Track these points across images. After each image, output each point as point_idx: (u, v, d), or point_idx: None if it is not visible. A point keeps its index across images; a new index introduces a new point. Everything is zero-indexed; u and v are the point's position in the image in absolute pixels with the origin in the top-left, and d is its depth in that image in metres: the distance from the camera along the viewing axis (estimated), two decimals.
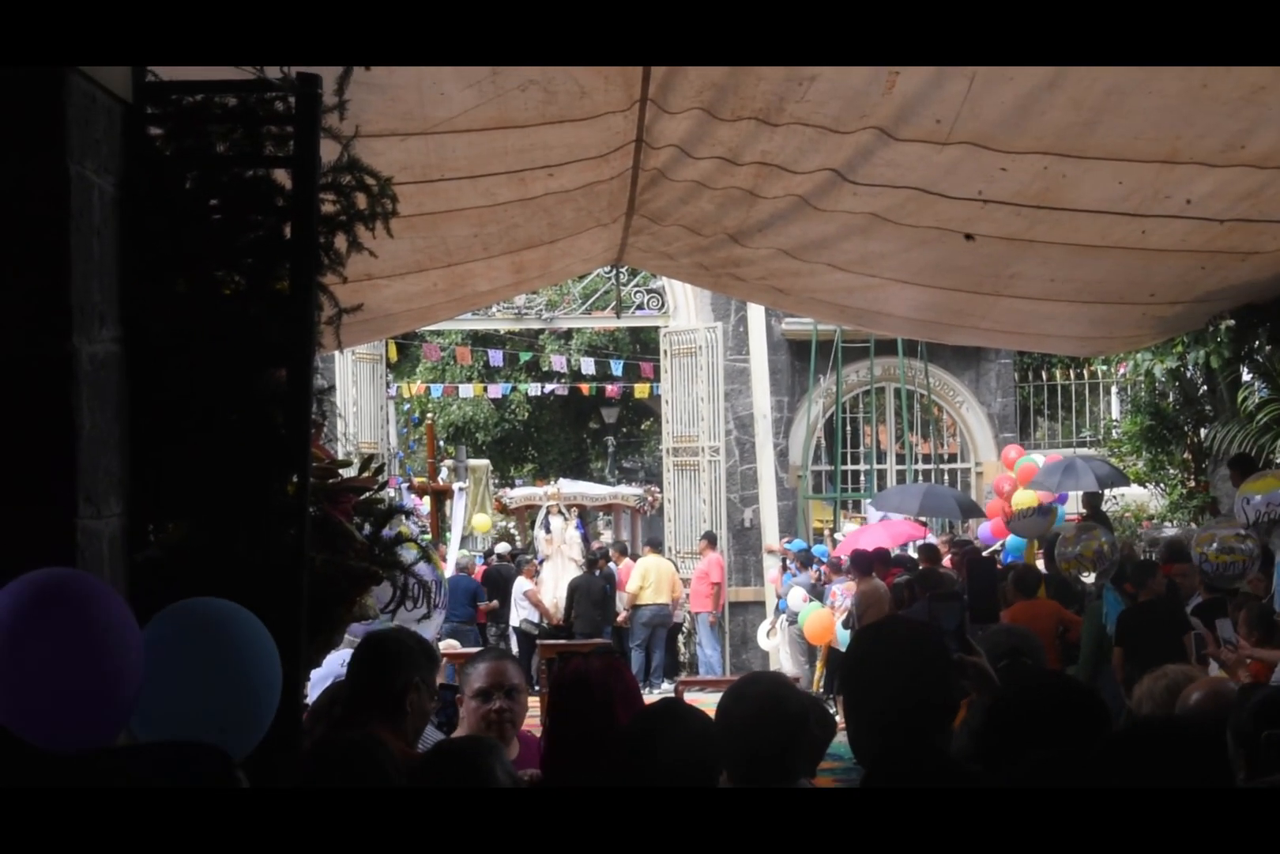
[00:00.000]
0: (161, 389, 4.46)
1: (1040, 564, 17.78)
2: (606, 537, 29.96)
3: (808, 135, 8.99)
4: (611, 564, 25.88)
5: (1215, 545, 12.01)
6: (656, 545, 26.85)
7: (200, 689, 3.71)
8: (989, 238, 10.80)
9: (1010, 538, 22.07)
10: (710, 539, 26.01)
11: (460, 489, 27.35)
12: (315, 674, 5.74)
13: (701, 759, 4.44)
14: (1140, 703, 6.27)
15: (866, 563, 18.22)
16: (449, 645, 17.43)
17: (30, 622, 3.35)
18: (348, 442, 23.75)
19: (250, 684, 3.87)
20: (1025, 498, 21.93)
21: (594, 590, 24.50)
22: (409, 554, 5.55)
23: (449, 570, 24.47)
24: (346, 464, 5.60)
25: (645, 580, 24.75)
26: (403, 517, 5.96)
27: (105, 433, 4.14)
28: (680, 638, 26.74)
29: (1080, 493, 20.84)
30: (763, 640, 25.25)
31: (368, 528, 5.22)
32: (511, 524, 36.31)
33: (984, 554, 19.58)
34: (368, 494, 5.35)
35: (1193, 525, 20.18)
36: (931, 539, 22.07)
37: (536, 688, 18.76)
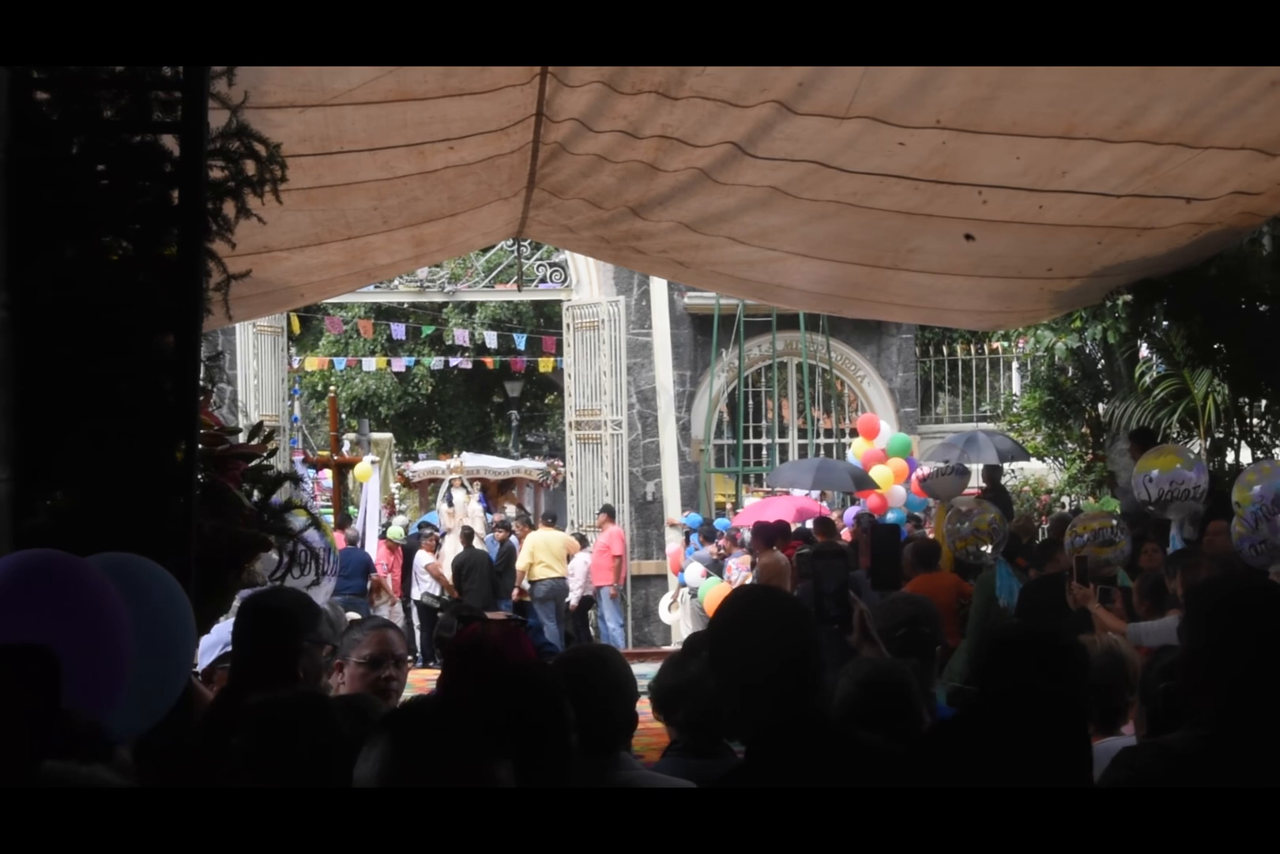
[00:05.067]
0: (50, 355, 4.43)
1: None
2: (511, 510, 29.96)
3: (708, 109, 9.02)
4: (513, 537, 25.78)
5: (1087, 537, 11.99)
6: (551, 519, 26.82)
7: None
8: (888, 212, 10.86)
9: (890, 513, 22.30)
10: (609, 512, 26.03)
11: (373, 462, 27.24)
12: (204, 641, 5.72)
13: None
14: None
15: (769, 535, 18.16)
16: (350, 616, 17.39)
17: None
18: (247, 415, 23.59)
19: (173, 646, 3.85)
20: (885, 474, 22.24)
21: (480, 565, 24.42)
22: (300, 521, 5.54)
23: (371, 544, 24.43)
24: (236, 431, 5.59)
25: (534, 556, 24.69)
26: (292, 484, 5.96)
27: None
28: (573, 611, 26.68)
29: (980, 466, 21.00)
30: (664, 614, 25.31)
31: (257, 495, 5.21)
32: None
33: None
34: (257, 461, 5.34)
35: (1090, 499, 20.37)
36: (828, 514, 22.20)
37: (438, 660, 18.75)
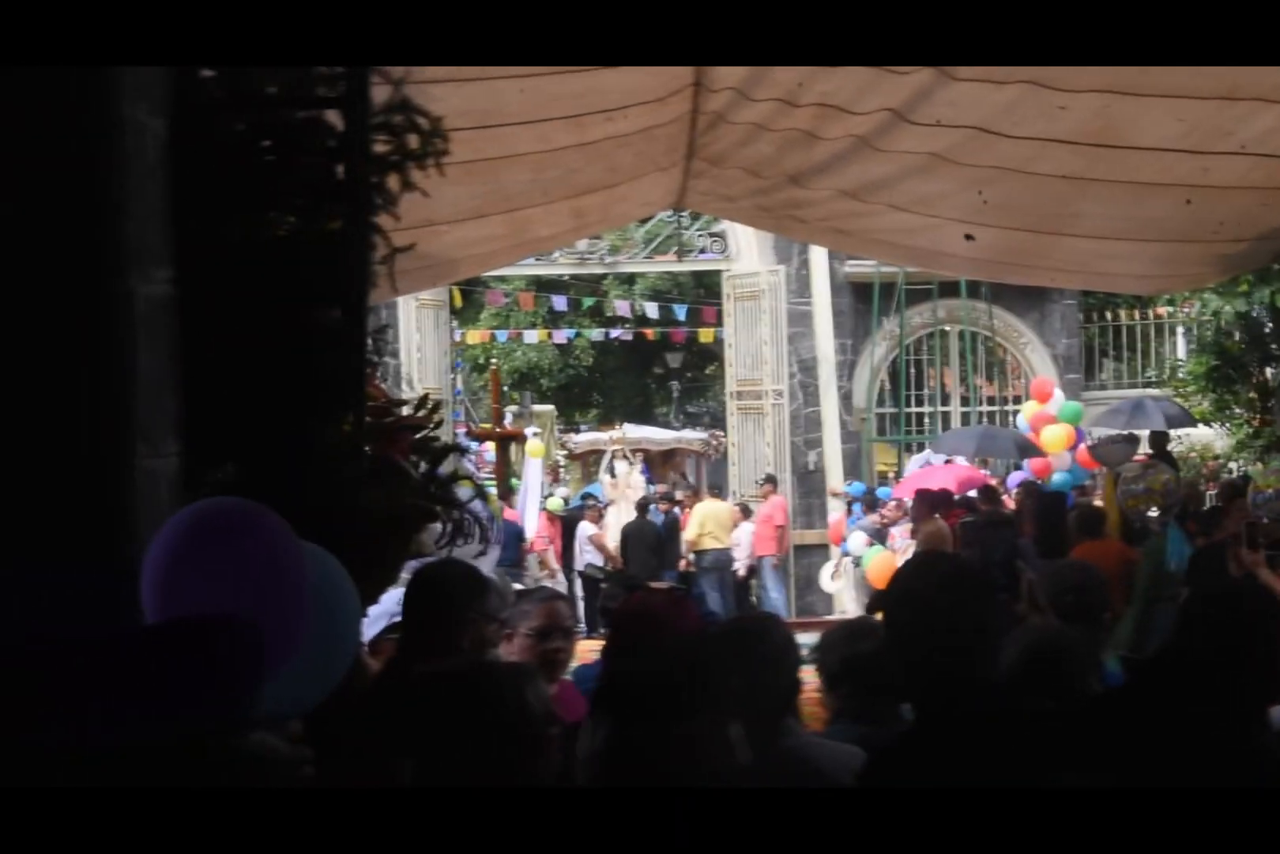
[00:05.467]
0: (216, 330, 4.49)
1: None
2: (673, 481, 30.06)
3: (866, 76, 8.96)
4: (676, 509, 25.82)
5: (1270, 493, 11.81)
6: (717, 490, 26.83)
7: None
8: (1049, 177, 10.75)
9: (1056, 475, 22.06)
10: (773, 482, 26.00)
11: (534, 434, 27.39)
12: (372, 611, 5.78)
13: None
14: None
15: (931, 503, 18.06)
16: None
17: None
18: (412, 388, 23.76)
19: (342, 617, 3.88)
20: (1056, 435, 21.97)
21: (647, 535, 24.41)
22: (465, 492, 5.58)
23: (530, 516, 24.54)
24: (403, 403, 5.63)
25: (703, 527, 24.70)
26: (459, 455, 6.00)
27: (161, 373, 4.17)
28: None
29: (1147, 432, 20.74)
30: (826, 583, 25.26)
31: (424, 466, 5.26)
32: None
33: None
34: (424, 433, 5.39)
35: (1259, 464, 20.10)
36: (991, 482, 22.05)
37: (603, 630, 18.83)
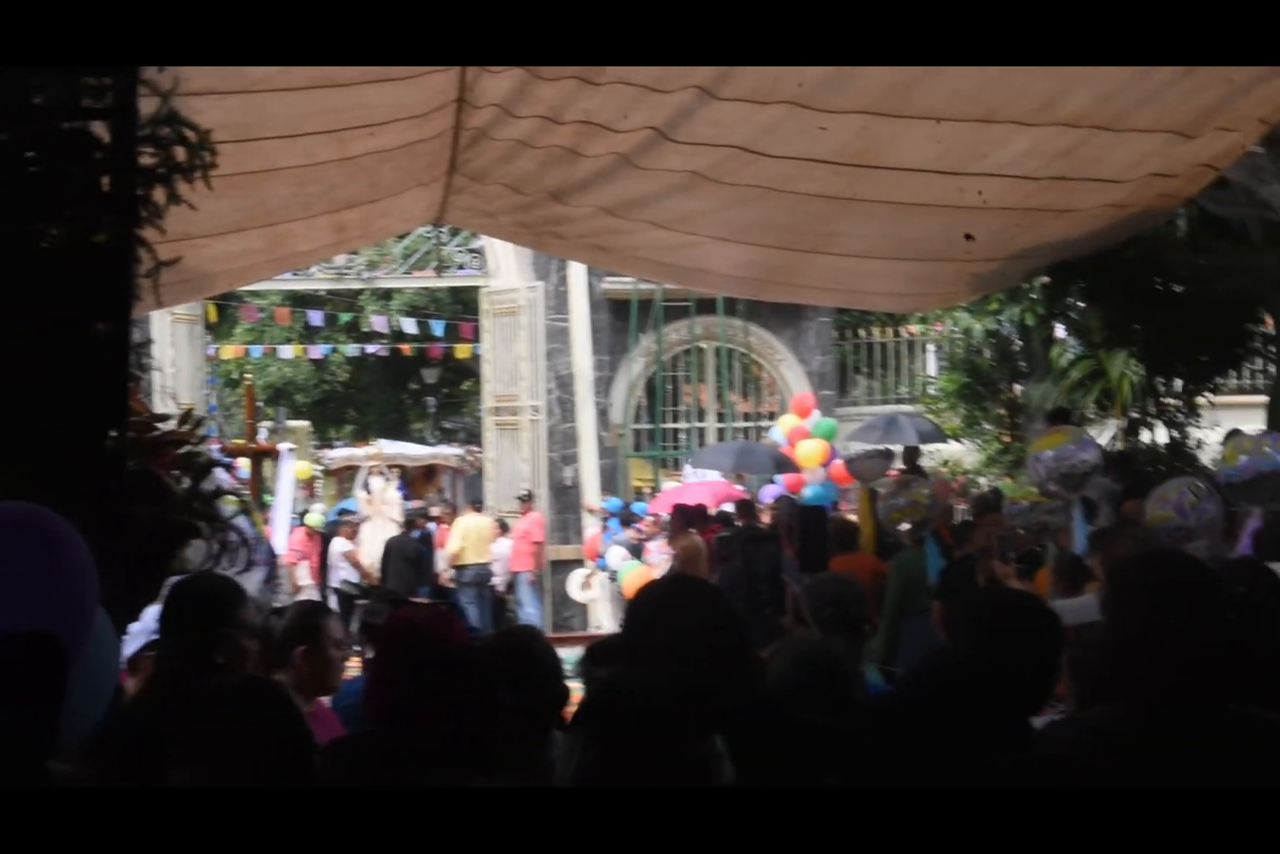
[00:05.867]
0: None
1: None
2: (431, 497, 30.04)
3: (629, 94, 9.03)
4: (430, 524, 25.80)
5: (1026, 505, 12.11)
6: (477, 505, 26.83)
7: None
8: (809, 196, 10.91)
9: (808, 489, 22.39)
10: (530, 499, 26.06)
11: (289, 450, 27.13)
12: (133, 628, 5.70)
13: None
14: None
15: (685, 518, 18.22)
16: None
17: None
18: (165, 403, 23.44)
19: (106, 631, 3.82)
20: (811, 450, 22.32)
21: (408, 550, 24.40)
22: (227, 509, 5.54)
23: (281, 534, 24.29)
24: (165, 418, 5.58)
25: (465, 540, 24.71)
26: (221, 471, 5.95)
27: None
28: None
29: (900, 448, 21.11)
30: (574, 591, 25.38)
31: (187, 481, 5.21)
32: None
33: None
34: (186, 448, 5.34)
35: (1008, 479, 20.55)
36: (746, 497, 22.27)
37: (356, 648, 18.69)
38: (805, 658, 4.96)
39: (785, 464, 23.02)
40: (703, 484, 24.25)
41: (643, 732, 2.85)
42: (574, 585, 25.47)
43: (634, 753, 2.86)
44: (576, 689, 5.10)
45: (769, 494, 23.02)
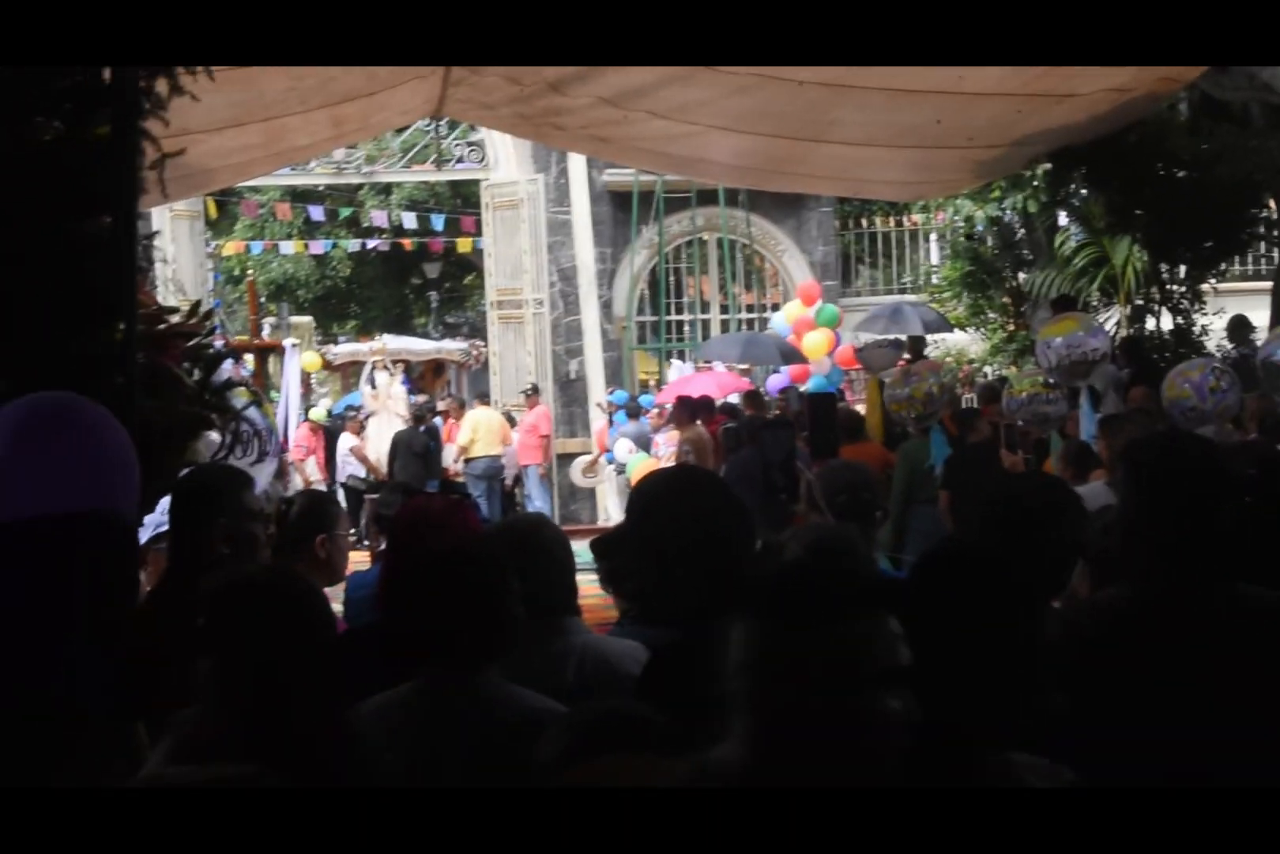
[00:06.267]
0: None
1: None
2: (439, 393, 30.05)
3: None
4: (436, 419, 25.78)
5: (1024, 398, 12.07)
6: (485, 398, 26.81)
7: None
8: (809, 84, 10.84)
9: (814, 379, 22.38)
10: (536, 392, 26.00)
11: (293, 346, 27.13)
12: (148, 519, 5.71)
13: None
14: None
15: (690, 410, 18.16)
16: None
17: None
18: (184, 296, 23.42)
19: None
20: (816, 341, 22.27)
21: (416, 444, 24.35)
22: (239, 400, 5.54)
23: (291, 425, 24.39)
24: (174, 311, 5.57)
25: (476, 433, 24.65)
26: (230, 362, 5.95)
27: None
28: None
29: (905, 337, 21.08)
30: (577, 477, 25.44)
31: (197, 374, 5.21)
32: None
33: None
34: (196, 340, 5.33)
35: (1013, 368, 20.55)
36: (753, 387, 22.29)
37: (365, 542, 18.76)
38: (820, 543, 4.97)
39: (792, 355, 22.99)
40: (708, 374, 24.25)
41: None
42: (576, 472, 25.52)
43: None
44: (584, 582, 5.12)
45: (775, 385, 23.03)
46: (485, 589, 4.06)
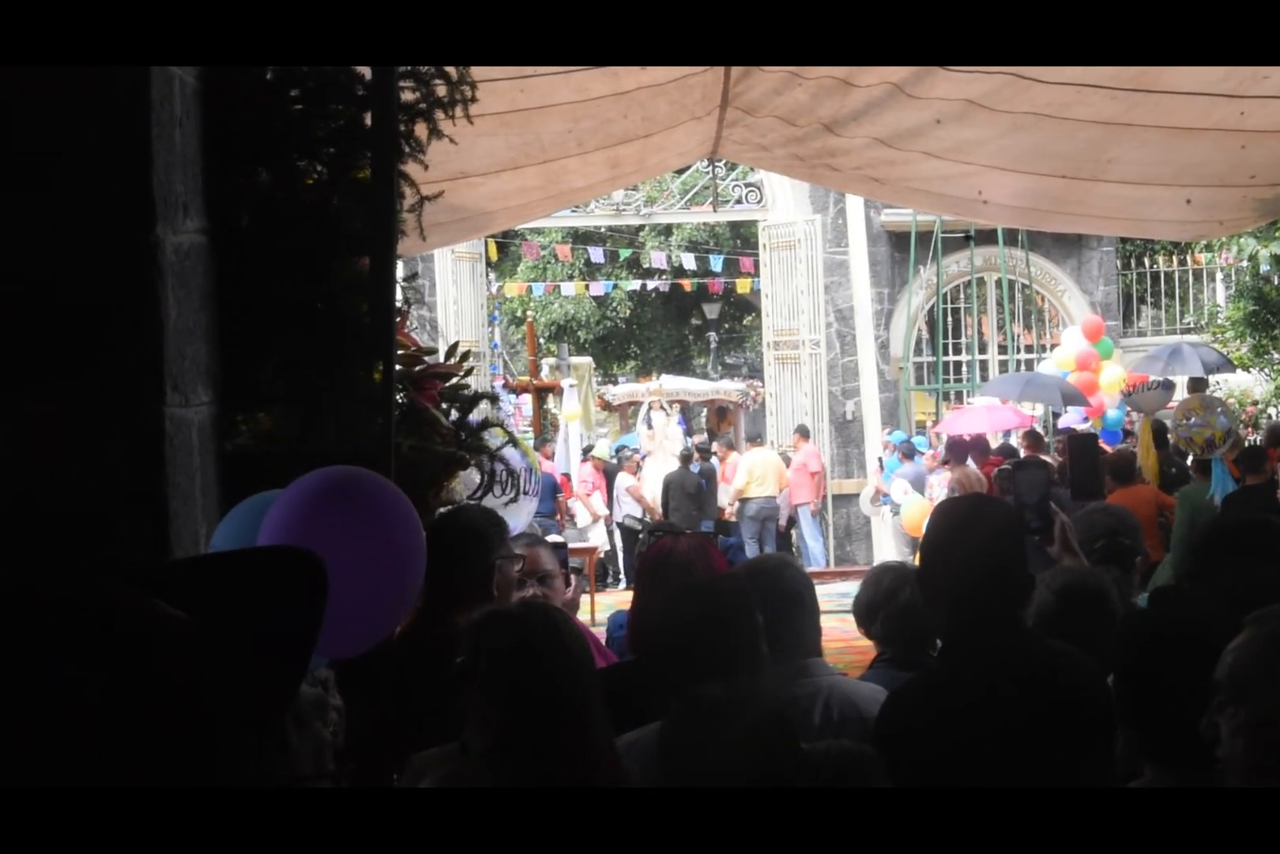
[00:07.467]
0: (247, 279, 4.50)
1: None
2: (703, 435, 30.20)
3: None
4: (714, 459, 25.84)
5: None
6: (758, 439, 26.80)
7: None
8: (1086, 122, 10.69)
9: (1110, 414, 21.98)
10: (804, 432, 25.93)
11: (570, 386, 27.44)
12: None
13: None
14: None
15: (962, 450, 17.95)
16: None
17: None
18: (447, 341, 23.81)
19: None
20: (1113, 377, 21.84)
21: (689, 484, 24.40)
22: (496, 440, 5.58)
23: (570, 467, 24.65)
24: (432, 351, 5.63)
25: (751, 474, 24.64)
26: (489, 403, 5.99)
27: (191, 322, 4.17)
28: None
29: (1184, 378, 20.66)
30: (865, 506, 25.24)
31: (454, 414, 5.26)
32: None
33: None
34: (454, 380, 5.39)
35: None
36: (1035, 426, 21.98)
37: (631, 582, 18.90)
38: (1069, 587, 4.89)
39: (1074, 396, 22.65)
40: (985, 408, 23.95)
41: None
42: (865, 500, 25.31)
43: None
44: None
45: (1066, 424, 22.69)
46: (726, 625, 4.07)
